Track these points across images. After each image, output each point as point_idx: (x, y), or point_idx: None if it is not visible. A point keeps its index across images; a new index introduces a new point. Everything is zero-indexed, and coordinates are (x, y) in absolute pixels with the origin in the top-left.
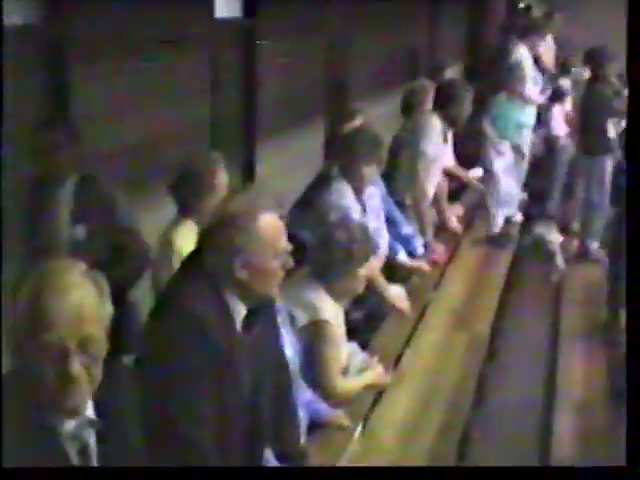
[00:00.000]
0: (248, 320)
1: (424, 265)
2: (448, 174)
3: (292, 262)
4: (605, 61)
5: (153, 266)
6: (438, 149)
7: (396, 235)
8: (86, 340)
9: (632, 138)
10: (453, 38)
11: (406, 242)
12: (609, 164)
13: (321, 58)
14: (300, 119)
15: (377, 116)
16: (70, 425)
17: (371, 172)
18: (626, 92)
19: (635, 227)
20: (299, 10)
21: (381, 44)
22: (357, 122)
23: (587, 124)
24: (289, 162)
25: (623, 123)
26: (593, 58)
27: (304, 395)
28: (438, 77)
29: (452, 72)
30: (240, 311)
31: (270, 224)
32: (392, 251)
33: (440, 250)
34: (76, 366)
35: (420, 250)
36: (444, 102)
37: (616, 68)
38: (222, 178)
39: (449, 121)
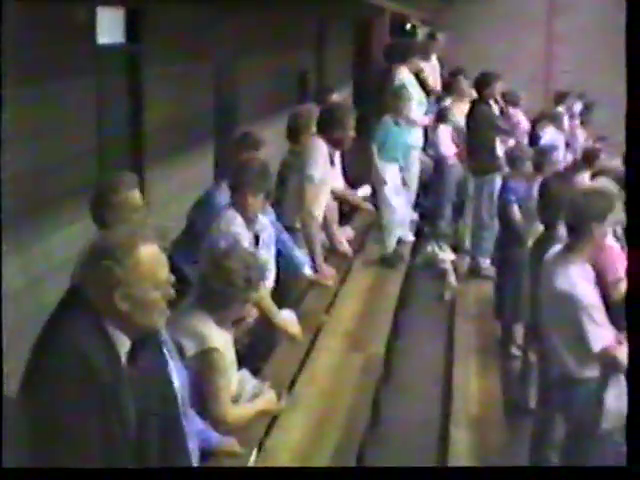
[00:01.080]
0: (133, 352)
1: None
2: (338, 197)
3: (174, 293)
4: (490, 81)
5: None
6: (325, 172)
7: (286, 259)
8: None
9: (632, 137)
10: (341, 61)
11: (296, 266)
12: (498, 182)
13: (209, 82)
14: (189, 144)
15: (267, 139)
16: None
17: (257, 202)
18: (511, 111)
19: (635, 230)
20: (185, 35)
21: (270, 68)
22: (262, 152)
23: (475, 144)
24: (178, 188)
25: (510, 141)
26: (478, 78)
27: (194, 425)
28: (326, 100)
29: (341, 95)
30: (124, 344)
31: (150, 255)
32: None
33: (330, 273)
34: None
35: (310, 274)
36: (328, 126)
37: (500, 88)
38: (135, 197)
39: (334, 144)
